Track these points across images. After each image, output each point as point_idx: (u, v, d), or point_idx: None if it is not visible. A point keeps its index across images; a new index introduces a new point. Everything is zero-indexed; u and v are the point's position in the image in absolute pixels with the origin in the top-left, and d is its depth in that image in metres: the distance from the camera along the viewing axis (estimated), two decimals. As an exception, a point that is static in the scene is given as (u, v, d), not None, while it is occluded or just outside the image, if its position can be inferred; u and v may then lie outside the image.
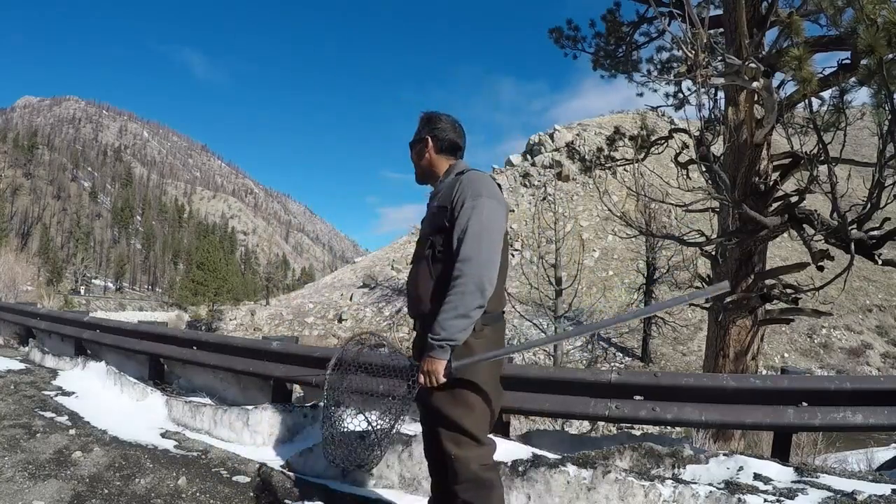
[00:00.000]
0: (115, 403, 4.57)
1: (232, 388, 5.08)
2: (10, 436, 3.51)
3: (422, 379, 1.90)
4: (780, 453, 3.28)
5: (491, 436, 2.07)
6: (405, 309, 25.55)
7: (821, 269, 6.27)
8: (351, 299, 29.39)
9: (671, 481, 2.60)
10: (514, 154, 40.23)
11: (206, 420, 3.99)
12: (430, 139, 2.16)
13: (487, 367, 1.97)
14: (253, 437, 3.72)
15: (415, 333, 2.13)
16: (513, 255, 28.41)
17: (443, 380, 1.88)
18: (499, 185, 2.07)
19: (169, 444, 3.64)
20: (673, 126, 10.27)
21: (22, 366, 5.91)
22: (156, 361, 5.59)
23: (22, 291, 21.56)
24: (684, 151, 7.55)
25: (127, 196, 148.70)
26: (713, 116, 6.72)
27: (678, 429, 5.30)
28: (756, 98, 6.47)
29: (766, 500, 2.39)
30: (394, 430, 2.08)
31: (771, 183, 6.82)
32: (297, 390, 5.20)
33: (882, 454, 4.61)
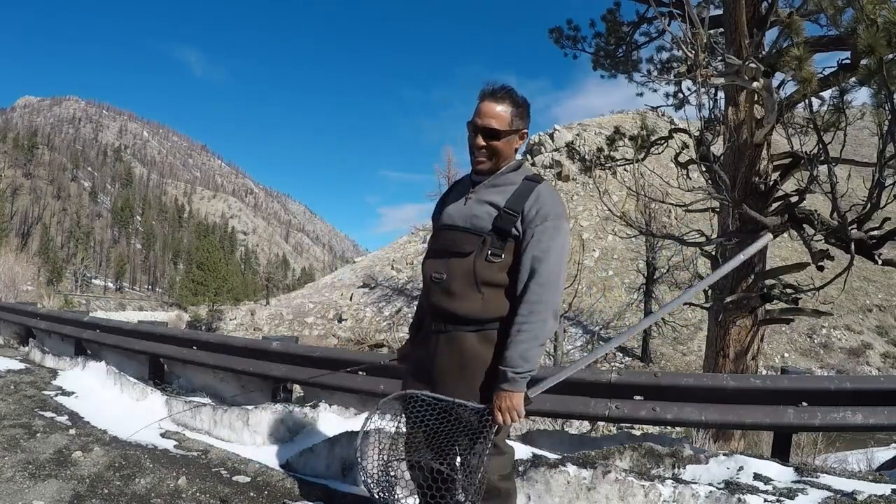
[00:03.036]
0: (115, 403, 4.57)
1: (232, 388, 5.08)
2: (10, 436, 3.51)
3: (501, 418, 1.71)
4: (780, 453, 3.28)
5: (509, 441, 1.97)
6: (405, 308, 25.54)
7: (821, 269, 6.27)
8: (351, 299, 29.38)
9: (671, 481, 2.60)
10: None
11: (206, 420, 3.99)
12: (525, 134, 1.92)
13: None
14: (253, 437, 3.72)
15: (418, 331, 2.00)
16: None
17: (523, 414, 1.73)
18: None
19: (169, 444, 3.64)
20: (673, 126, 10.27)
21: (22, 366, 5.91)
22: (156, 361, 5.59)
23: (22, 291, 21.55)
24: (684, 151, 7.55)
25: (127, 196, 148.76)
26: (713, 116, 6.73)
27: (678, 429, 5.30)
28: (756, 98, 6.47)
29: (766, 500, 2.39)
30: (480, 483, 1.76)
31: (771, 183, 6.82)
32: (297, 390, 5.20)
33: (882, 454, 4.61)
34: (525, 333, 1.72)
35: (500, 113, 1.83)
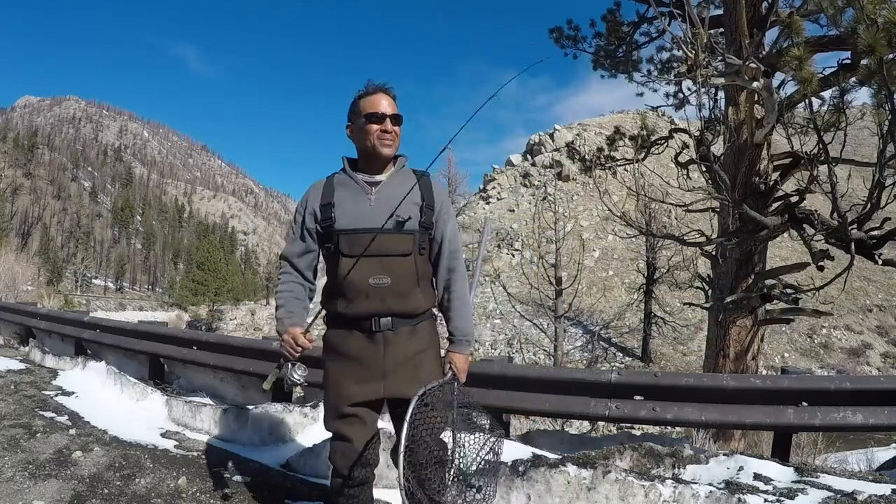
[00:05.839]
0: (115, 403, 4.57)
1: (232, 388, 5.08)
2: (11, 436, 3.51)
3: (462, 377, 1.99)
4: (780, 453, 3.29)
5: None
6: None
7: (821, 269, 6.26)
8: (351, 299, 29.36)
9: (671, 481, 2.60)
10: (515, 154, 40.20)
11: (206, 420, 3.99)
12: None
13: None
14: (253, 437, 3.72)
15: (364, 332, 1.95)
16: (513, 255, 28.47)
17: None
18: None
19: (169, 444, 3.64)
20: (673, 126, 10.27)
21: (22, 366, 5.91)
22: (156, 361, 5.59)
23: (22, 291, 21.55)
24: (684, 151, 7.54)
25: (127, 196, 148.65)
26: (713, 116, 6.73)
27: (678, 429, 5.31)
28: (756, 98, 6.47)
29: (766, 500, 2.39)
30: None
31: (771, 183, 6.82)
32: (298, 390, 5.20)
33: (882, 454, 4.61)
34: (466, 304, 2.04)
35: (395, 104, 2.04)
